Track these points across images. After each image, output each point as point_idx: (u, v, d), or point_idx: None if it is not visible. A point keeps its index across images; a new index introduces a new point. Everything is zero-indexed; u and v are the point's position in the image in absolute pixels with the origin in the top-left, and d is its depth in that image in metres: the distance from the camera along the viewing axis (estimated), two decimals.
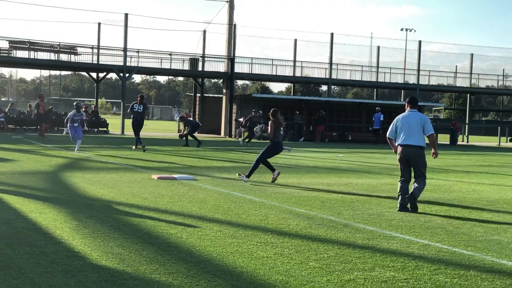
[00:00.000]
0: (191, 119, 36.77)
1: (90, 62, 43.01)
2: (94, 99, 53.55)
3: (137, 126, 23.51)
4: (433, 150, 10.72)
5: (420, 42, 50.76)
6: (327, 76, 48.32)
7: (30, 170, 15.04)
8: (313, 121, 42.38)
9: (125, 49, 42.08)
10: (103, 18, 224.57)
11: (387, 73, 51.55)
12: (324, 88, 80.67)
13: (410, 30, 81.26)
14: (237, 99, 44.19)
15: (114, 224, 8.21)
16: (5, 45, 41.22)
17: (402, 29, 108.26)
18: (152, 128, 56.12)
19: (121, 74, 41.94)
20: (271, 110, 14.34)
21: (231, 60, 44.42)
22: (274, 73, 48.01)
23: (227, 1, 44.99)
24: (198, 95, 48.59)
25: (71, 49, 43.44)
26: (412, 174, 10.65)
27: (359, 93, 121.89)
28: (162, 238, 7.41)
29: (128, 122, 27.14)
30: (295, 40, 49.76)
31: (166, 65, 44.81)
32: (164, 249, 6.82)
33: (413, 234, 8.24)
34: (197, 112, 47.64)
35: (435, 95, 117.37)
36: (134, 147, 23.97)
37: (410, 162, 10.56)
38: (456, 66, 59.57)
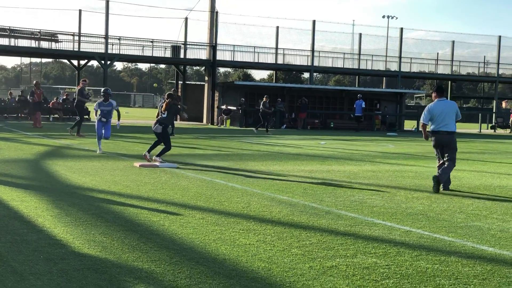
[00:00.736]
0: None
1: (71, 49, 42.70)
2: (76, 87, 53.09)
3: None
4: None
5: (401, 29, 50.87)
6: (309, 64, 48.37)
7: (11, 158, 14.93)
8: (295, 108, 42.42)
9: (106, 36, 41.81)
10: (84, 5, 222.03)
11: (369, 60, 51.65)
12: (306, 75, 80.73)
13: (392, 17, 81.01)
14: (219, 86, 44.13)
15: (96, 212, 8.19)
16: None
17: (384, 16, 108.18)
18: (134, 116, 55.83)
19: (103, 62, 41.70)
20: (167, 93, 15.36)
21: (213, 47, 44.31)
22: (256, 61, 47.98)
23: None
24: (180, 82, 48.43)
25: (52, 36, 43.09)
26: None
27: (341, 80, 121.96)
28: (145, 226, 7.41)
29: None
30: (277, 28, 49.66)
31: (148, 53, 44.59)
32: (146, 237, 6.81)
33: (395, 221, 8.29)
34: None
35: (417, 82, 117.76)
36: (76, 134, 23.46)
37: (444, 147, 11.58)
38: (438, 53, 59.89)
